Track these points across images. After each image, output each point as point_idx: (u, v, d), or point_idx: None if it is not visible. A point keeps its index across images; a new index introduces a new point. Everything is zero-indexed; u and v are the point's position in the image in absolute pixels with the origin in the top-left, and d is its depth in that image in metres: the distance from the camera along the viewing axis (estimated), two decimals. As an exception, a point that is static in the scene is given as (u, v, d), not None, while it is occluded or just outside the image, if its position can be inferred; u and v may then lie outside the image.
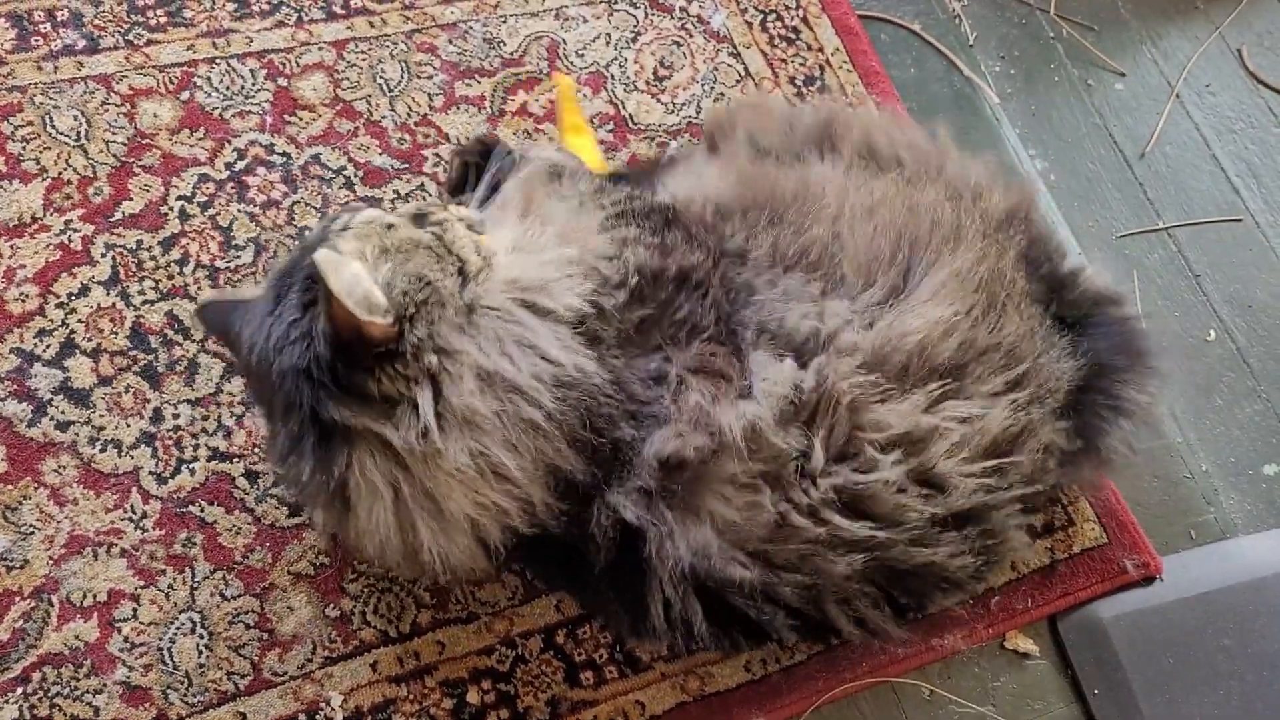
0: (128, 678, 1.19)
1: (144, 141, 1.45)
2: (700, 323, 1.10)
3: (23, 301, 1.33)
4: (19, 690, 1.16)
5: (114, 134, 1.44)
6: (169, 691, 1.19)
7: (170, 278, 1.38)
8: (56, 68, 1.47)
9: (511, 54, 1.63)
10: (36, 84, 1.45)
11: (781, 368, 1.07)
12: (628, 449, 1.04)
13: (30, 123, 1.42)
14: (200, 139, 1.47)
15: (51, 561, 1.22)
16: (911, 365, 1.09)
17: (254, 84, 1.52)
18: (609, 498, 1.03)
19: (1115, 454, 1.27)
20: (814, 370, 1.06)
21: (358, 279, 0.91)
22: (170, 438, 1.30)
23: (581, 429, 1.01)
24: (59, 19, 1.49)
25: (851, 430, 1.05)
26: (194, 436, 1.31)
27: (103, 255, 1.38)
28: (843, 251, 1.16)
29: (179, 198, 1.43)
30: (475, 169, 1.33)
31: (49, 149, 1.42)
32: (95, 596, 1.22)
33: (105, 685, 1.18)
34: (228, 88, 1.51)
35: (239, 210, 1.44)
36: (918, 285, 1.15)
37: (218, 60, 1.53)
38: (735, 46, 1.73)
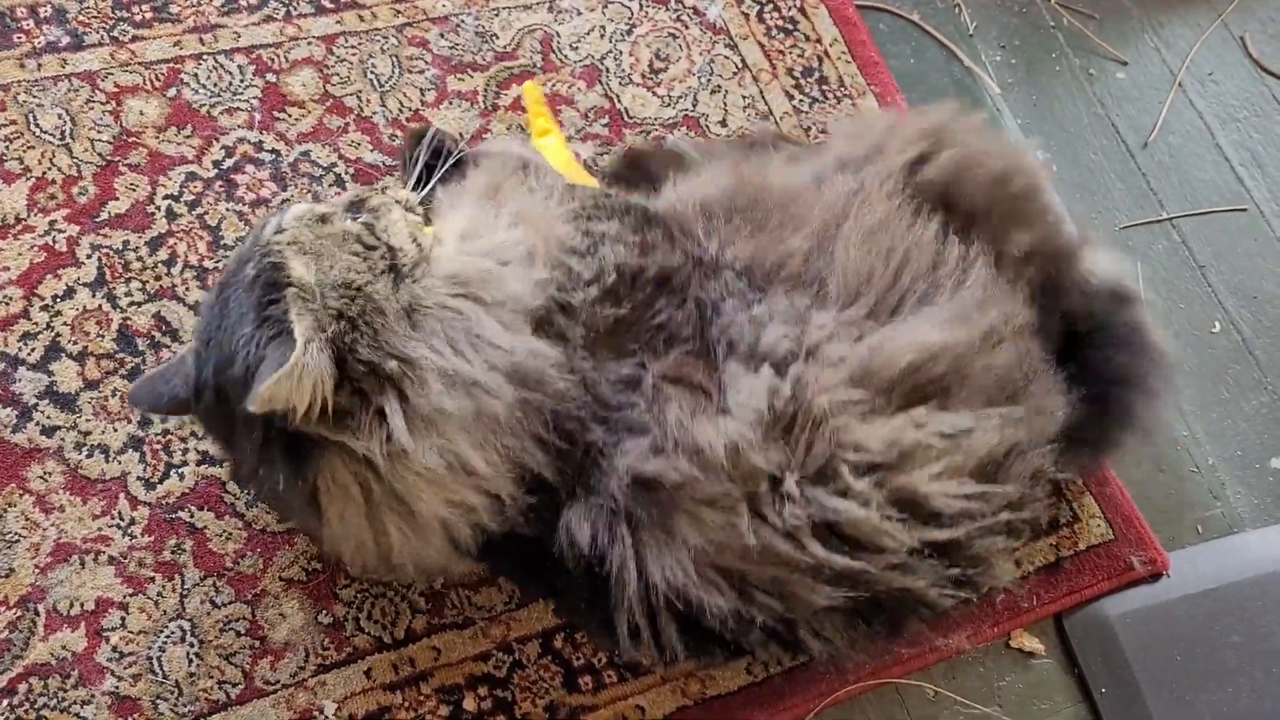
0: (116, 688, 1.17)
1: (130, 140, 1.42)
2: (679, 332, 1.07)
3: (6, 304, 1.30)
4: (5, 702, 1.14)
5: (99, 132, 1.42)
6: (159, 701, 1.17)
7: (158, 279, 1.36)
8: (40, 65, 1.44)
9: (505, 48, 1.60)
10: (19, 82, 1.42)
11: (757, 379, 1.02)
12: (598, 453, 1.01)
13: (13, 121, 1.40)
14: (188, 137, 1.44)
15: (38, 570, 1.20)
16: (899, 382, 1.05)
17: (242, 80, 1.49)
18: (568, 514, 1.01)
19: (1133, 460, 1.33)
20: (791, 379, 1.02)
21: (291, 391, 0.89)
22: (159, 442, 1.28)
23: (545, 430, 0.99)
24: (42, 15, 1.47)
25: (833, 449, 1.00)
26: (183, 441, 1.28)
27: (88, 256, 1.35)
28: (830, 267, 1.11)
29: (166, 197, 1.40)
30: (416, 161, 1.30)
31: (33, 148, 1.39)
32: (83, 605, 1.19)
33: (94, 696, 1.16)
34: (215, 84, 1.48)
35: (227, 209, 1.41)
36: (912, 312, 1.10)
37: (205, 56, 1.50)
38: (732, 38, 1.70)
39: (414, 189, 1.20)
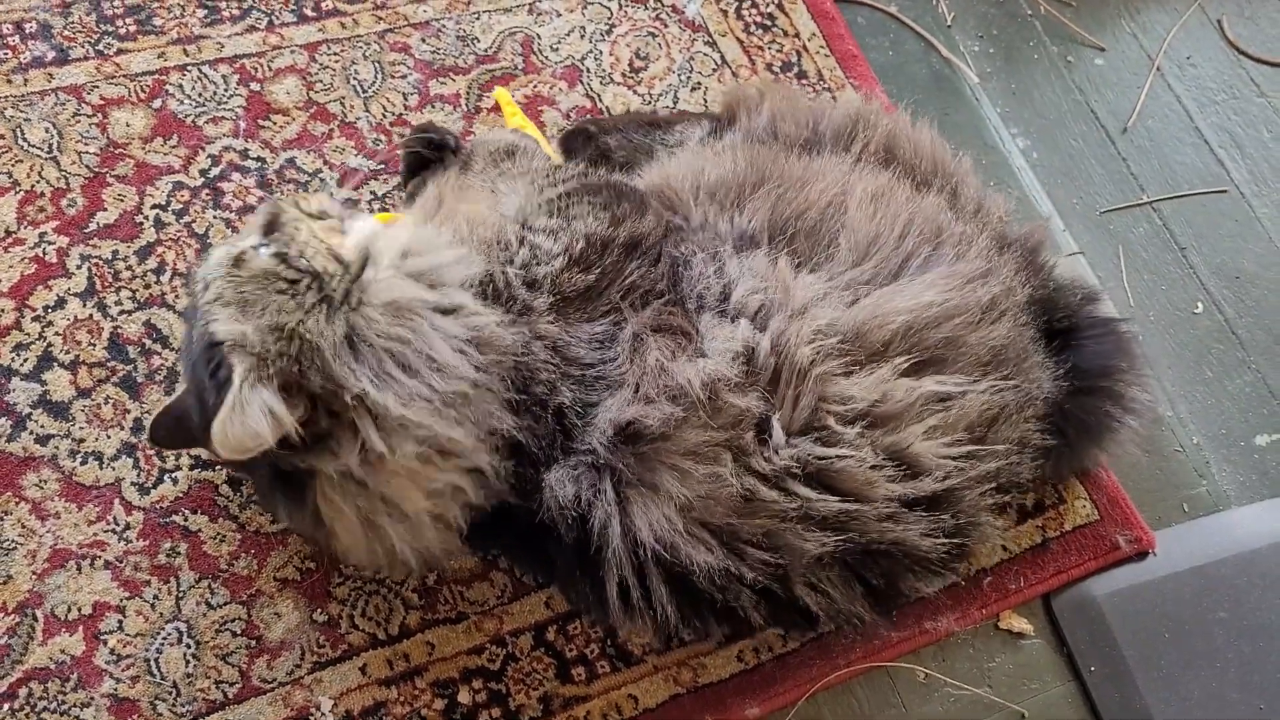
0: (115, 690, 1.18)
1: (117, 151, 1.44)
2: (655, 288, 1.11)
3: (-1, 316, 1.33)
4: (5, 706, 1.15)
5: (86, 145, 1.44)
6: (157, 702, 1.18)
7: (147, 287, 1.37)
8: (26, 80, 1.46)
9: (486, 51, 1.62)
10: (6, 97, 1.44)
11: (735, 328, 1.06)
12: (572, 414, 1.04)
13: (1, 136, 1.41)
14: (174, 147, 1.46)
15: (35, 576, 1.22)
16: (893, 345, 1.08)
17: (226, 90, 1.51)
18: (549, 476, 1.04)
19: (1123, 448, 1.35)
20: (771, 334, 1.05)
21: (245, 429, 0.94)
22: (152, 448, 1.29)
23: (507, 388, 1.02)
24: (28, 31, 1.49)
25: (817, 402, 1.04)
26: (175, 445, 1.30)
27: (78, 267, 1.37)
28: (843, 227, 1.15)
29: (154, 206, 1.42)
30: (419, 158, 1.40)
31: (21, 162, 1.41)
32: (80, 610, 1.21)
33: (93, 698, 1.17)
34: (200, 94, 1.50)
35: (215, 217, 1.43)
36: (916, 275, 1.14)
37: (189, 67, 1.52)
38: (711, 35, 1.72)
39: (404, 179, 1.31)
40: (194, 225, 1.42)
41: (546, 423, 1.04)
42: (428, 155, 1.40)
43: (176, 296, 1.38)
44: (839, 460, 1.03)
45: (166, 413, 1.13)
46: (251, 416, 0.93)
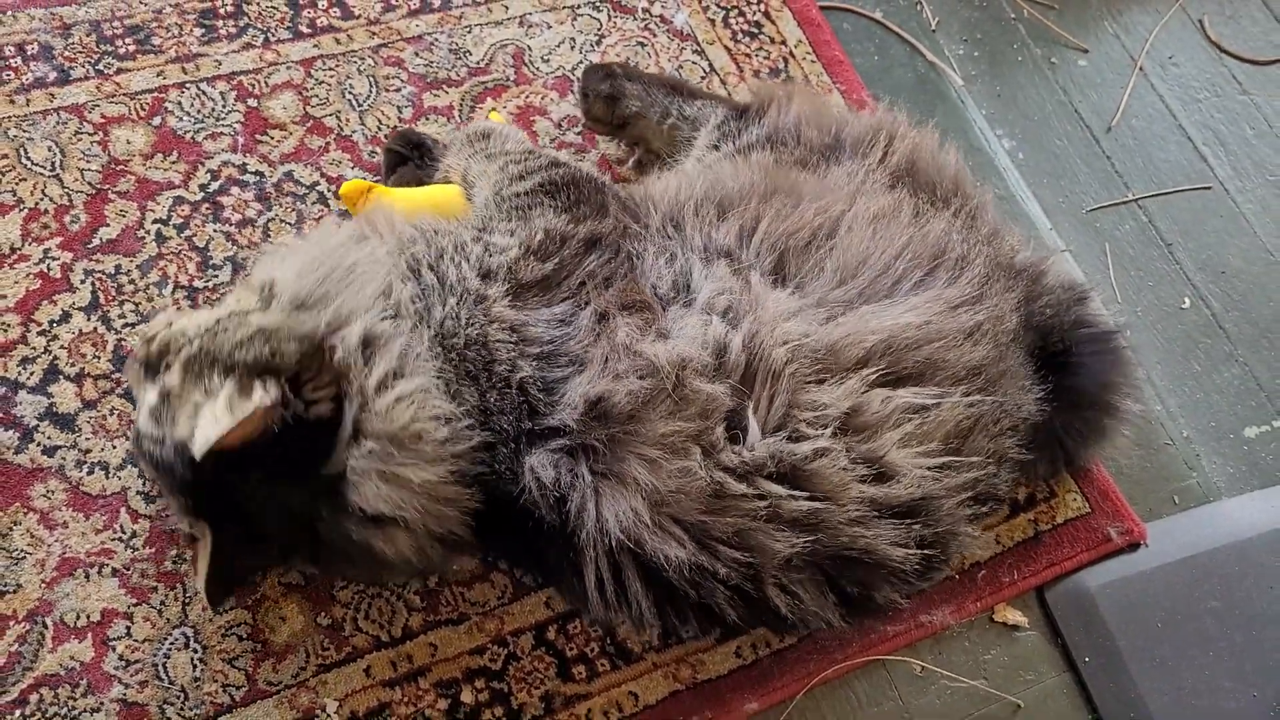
0: (124, 695, 1.20)
1: (118, 168, 1.47)
2: (617, 273, 1.15)
3: (4, 331, 1.35)
4: (17, 713, 1.17)
5: (88, 162, 1.46)
6: (165, 706, 1.20)
7: (150, 300, 1.40)
8: (29, 100, 1.49)
9: (478, 63, 1.65)
10: (9, 117, 1.47)
11: (706, 318, 1.09)
12: (534, 387, 1.07)
13: (4, 155, 1.44)
14: (174, 162, 1.49)
15: (44, 584, 1.24)
16: (868, 363, 1.09)
17: (224, 106, 1.54)
18: (530, 460, 1.06)
19: (1118, 453, 1.42)
20: (744, 333, 1.07)
21: (217, 416, 1.01)
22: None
23: (438, 339, 1.10)
24: (29, 52, 1.52)
25: (790, 406, 1.05)
26: (180, 455, 1.32)
27: (82, 281, 1.39)
28: (834, 249, 1.17)
29: (155, 221, 1.45)
30: (398, 156, 1.48)
31: (24, 180, 1.44)
32: (89, 616, 1.23)
33: (102, 704, 1.20)
34: (199, 111, 1.53)
35: (215, 230, 1.46)
36: (906, 297, 1.15)
37: (188, 85, 1.55)
38: (699, 44, 1.75)
39: (385, 176, 1.44)
40: (195, 239, 1.45)
41: (511, 397, 1.07)
42: (405, 154, 1.47)
43: (179, 309, 1.40)
44: (814, 459, 1.04)
45: (212, 570, 1.13)
46: (219, 407, 1.01)
